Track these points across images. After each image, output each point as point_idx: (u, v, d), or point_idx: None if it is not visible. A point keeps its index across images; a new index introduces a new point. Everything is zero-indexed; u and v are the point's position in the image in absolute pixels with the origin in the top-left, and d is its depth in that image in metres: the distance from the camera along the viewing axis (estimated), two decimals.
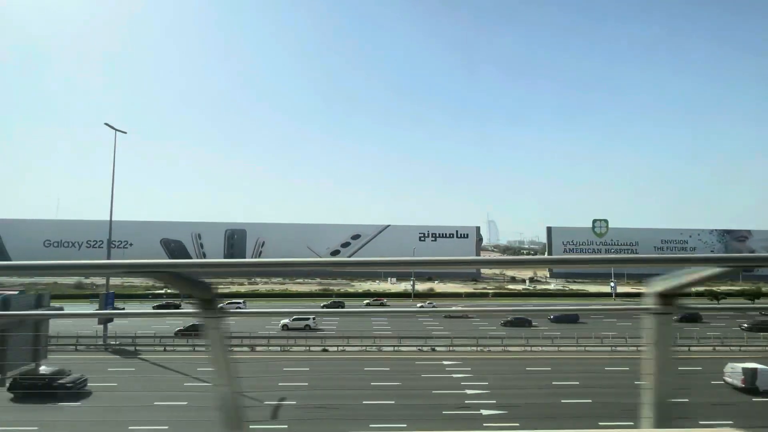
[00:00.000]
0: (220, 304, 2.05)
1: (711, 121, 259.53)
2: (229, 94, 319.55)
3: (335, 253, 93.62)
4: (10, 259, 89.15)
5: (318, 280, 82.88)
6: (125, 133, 39.09)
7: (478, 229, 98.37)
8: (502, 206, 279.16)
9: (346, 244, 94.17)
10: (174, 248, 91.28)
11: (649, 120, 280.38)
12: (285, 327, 38.71)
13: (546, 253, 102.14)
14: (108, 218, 41.08)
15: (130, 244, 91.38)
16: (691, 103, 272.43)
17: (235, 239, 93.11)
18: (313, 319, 39.40)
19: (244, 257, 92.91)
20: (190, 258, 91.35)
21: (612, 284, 66.80)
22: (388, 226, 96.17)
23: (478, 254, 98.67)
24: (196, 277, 2.03)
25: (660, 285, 2.04)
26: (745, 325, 39.62)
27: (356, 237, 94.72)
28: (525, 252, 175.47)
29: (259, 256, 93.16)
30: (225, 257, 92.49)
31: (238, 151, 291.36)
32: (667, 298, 2.03)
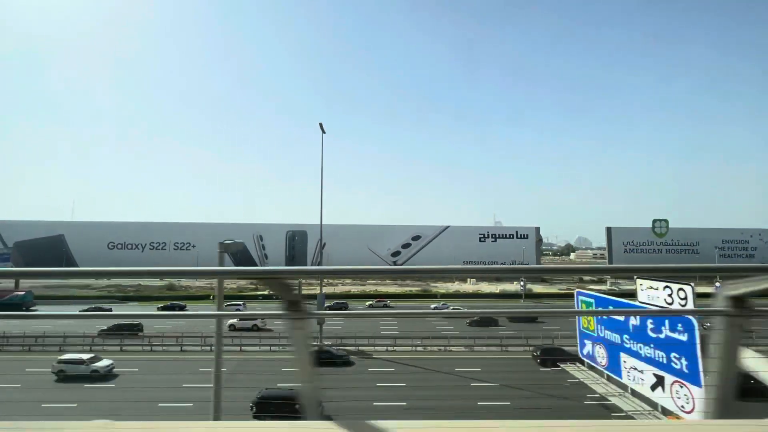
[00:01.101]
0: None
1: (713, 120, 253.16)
2: (228, 94, 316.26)
3: (396, 254, 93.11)
4: (75, 262, 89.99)
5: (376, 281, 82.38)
6: (324, 133, 38.56)
7: (537, 229, 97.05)
8: (506, 207, 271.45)
9: (406, 245, 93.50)
10: (235, 250, 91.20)
11: (651, 120, 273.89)
12: (232, 327, 36.72)
13: (607, 254, 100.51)
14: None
15: (193, 246, 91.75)
16: (691, 102, 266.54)
17: (296, 241, 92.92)
18: (262, 319, 37.49)
19: (305, 259, 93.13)
20: (253, 260, 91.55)
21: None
22: (448, 227, 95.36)
23: (538, 255, 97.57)
24: (286, 280, 2.23)
25: (733, 289, 2.18)
26: None
27: (416, 238, 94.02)
28: (592, 254, 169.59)
29: (320, 258, 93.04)
30: (286, 259, 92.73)
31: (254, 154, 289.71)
32: (738, 301, 2.17)
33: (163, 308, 52.91)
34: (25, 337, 32.97)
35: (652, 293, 20.84)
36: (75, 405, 20.17)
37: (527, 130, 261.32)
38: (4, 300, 50.43)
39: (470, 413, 18.62)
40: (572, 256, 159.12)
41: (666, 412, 18.58)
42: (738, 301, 2.20)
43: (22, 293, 52.91)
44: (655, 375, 19.06)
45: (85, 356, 26.84)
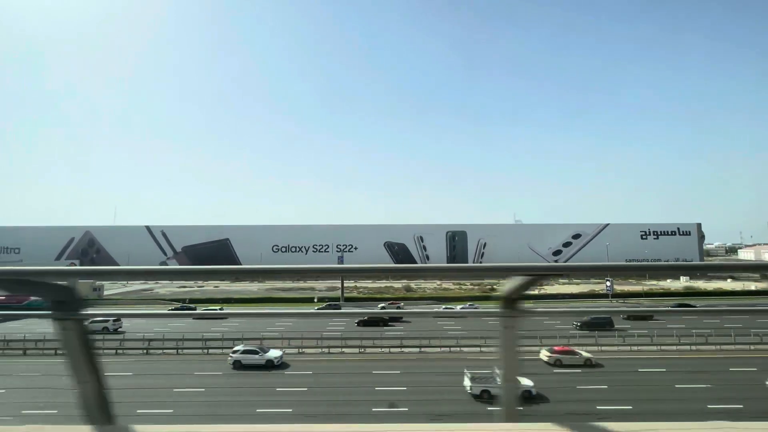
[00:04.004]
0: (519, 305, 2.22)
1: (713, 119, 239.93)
2: (226, 94, 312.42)
3: (557, 253, 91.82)
4: (239, 262, 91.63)
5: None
6: None
7: (699, 225, 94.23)
8: (526, 207, 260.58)
9: (567, 244, 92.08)
10: (398, 251, 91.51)
11: (653, 118, 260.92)
12: (237, 364, 26.81)
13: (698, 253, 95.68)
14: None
15: (356, 248, 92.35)
16: (692, 102, 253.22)
17: (456, 241, 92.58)
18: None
19: (466, 258, 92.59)
20: (414, 260, 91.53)
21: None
22: (608, 224, 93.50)
23: (701, 253, 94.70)
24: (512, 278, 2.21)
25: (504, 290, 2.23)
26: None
27: (577, 236, 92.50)
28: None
29: (482, 258, 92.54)
30: (447, 259, 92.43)
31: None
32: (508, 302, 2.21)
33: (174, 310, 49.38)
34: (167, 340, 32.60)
35: None
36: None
37: (541, 130, 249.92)
38: (22, 304, 47.58)
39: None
40: (741, 254, 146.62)
41: None
42: (508, 301, 2.20)
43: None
44: None
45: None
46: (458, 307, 49.38)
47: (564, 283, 66.17)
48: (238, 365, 26.60)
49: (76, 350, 2.24)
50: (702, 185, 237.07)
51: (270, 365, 26.84)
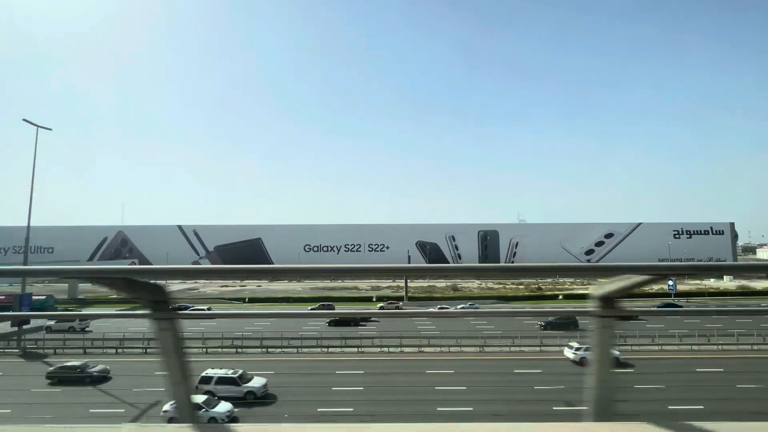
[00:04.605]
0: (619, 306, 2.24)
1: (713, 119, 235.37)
2: (227, 94, 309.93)
3: (589, 252, 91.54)
4: (271, 262, 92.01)
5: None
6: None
7: (732, 225, 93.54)
8: (527, 207, 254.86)
9: (599, 243, 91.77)
10: (430, 250, 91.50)
11: (653, 118, 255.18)
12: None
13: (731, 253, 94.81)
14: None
15: (387, 247, 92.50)
16: (692, 102, 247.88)
17: (488, 240, 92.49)
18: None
19: (498, 258, 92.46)
20: (446, 260, 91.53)
21: None
22: (641, 224, 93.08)
23: (734, 251, 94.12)
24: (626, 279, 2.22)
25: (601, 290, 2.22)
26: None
27: (609, 236, 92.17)
28: None
29: (514, 257, 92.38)
30: (479, 258, 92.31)
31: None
32: (607, 301, 2.20)
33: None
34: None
35: None
36: None
37: (540, 129, 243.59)
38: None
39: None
40: (759, 254, 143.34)
41: None
42: (607, 301, 2.19)
43: (43, 297, 49.01)
44: None
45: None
46: (458, 307, 49.64)
47: None
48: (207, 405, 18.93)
49: (171, 350, 2.24)
50: (702, 185, 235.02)
51: (251, 398, 21.34)
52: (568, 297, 57.00)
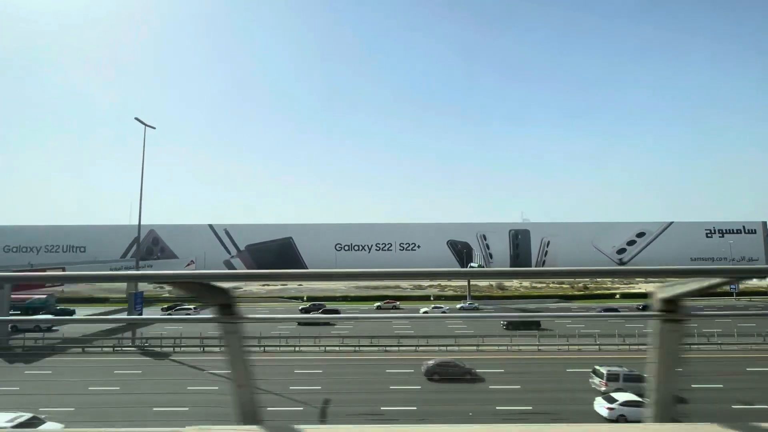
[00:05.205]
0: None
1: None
2: (227, 95, 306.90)
3: (621, 251, 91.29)
4: (305, 265, 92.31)
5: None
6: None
7: (764, 224, 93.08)
8: (528, 207, 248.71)
9: (631, 242, 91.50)
10: (461, 249, 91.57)
11: (653, 118, 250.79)
12: None
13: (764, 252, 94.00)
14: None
15: (418, 246, 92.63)
16: (693, 102, 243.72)
17: (519, 239, 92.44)
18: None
19: (529, 257, 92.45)
20: (477, 258, 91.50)
21: None
22: (672, 223, 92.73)
23: (767, 251, 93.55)
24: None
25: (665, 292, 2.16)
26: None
27: (641, 235, 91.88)
28: None
29: (545, 256, 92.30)
30: (510, 258, 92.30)
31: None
32: (671, 303, 2.15)
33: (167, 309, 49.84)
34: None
35: None
36: None
37: (543, 130, 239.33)
38: (24, 304, 45.67)
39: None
40: None
41: None
42: (671, 303, 2.16)
43: (44, 297, 48.69)
44: None
45: None
46: (458, 306, 51.14)
47: None
48: None
49: (236, 353, 2.29)
50: (703, 185, 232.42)
51: None
52: (624, 296, 56.98)
